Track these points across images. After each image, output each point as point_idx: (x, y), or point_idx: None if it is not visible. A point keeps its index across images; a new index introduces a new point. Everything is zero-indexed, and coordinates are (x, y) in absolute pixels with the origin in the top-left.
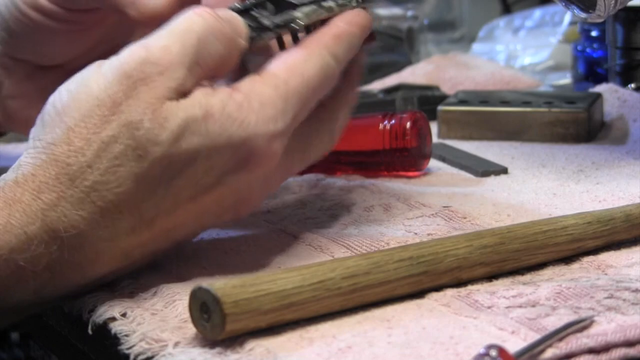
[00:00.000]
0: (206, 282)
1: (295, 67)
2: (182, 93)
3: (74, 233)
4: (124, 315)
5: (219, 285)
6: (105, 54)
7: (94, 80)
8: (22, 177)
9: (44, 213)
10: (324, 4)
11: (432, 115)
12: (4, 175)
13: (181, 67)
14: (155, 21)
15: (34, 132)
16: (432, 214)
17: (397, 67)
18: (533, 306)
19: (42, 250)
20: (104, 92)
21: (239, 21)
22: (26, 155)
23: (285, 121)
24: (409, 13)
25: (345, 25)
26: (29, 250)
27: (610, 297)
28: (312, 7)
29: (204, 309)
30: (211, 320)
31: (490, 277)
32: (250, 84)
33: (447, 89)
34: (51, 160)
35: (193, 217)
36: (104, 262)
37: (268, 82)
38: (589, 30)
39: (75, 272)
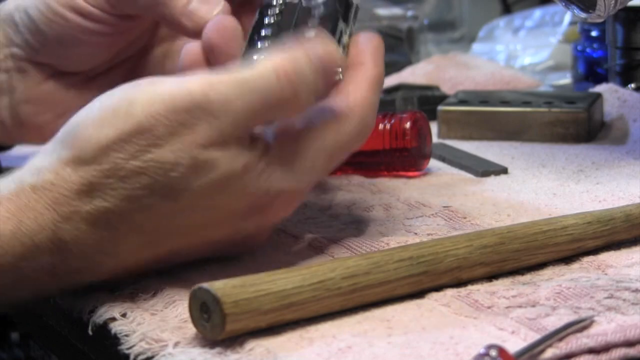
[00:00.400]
0: (206, 282)
1: (333, 125)
2: (224, 144)
3: (81, 246)
4: (124, 315)
5: (219, 285)
6: (123, 63)
7: (139, 102)
8: (41, 184)
9: (56, 224)
10: (343, 41)
11: (432, 115)
12: (19, 175)
13: (233, 125)
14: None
15: (63, 133)
16: (432, 214)
17: (397, 67)
18: (533, 306)
19: (47, 258)
20: (147, 120)
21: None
22: (50, 159)
23: (310, 180)
24: (409, 13)
25: (375, 67)
26: (34, 259)
27: (610, 297)
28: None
29: (204, 309)
30: (211, 320)
31: (490, 277)
32: (284, 138)
33: (447, 89)
34: (77, 176)
35: (200, 244)
36: (105, 272)
37: (303, 138)
38: (589, 30)
39: (75, 278)
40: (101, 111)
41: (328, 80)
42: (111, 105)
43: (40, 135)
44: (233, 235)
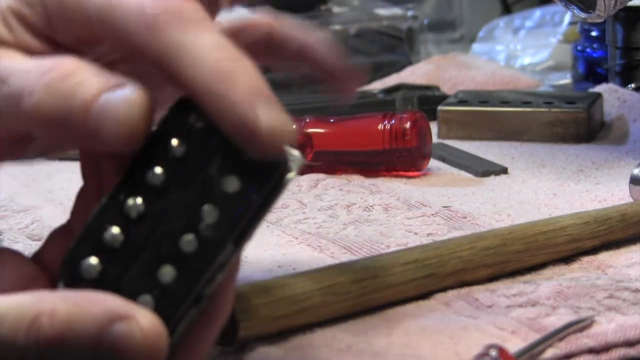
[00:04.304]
0: None
1: None
2: None
3: None
4: None
5: None
6: None
7: None
8: None
9: None
10: (211, 287)
11: (432, 115)
12: None
13: None
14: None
15: None
16: (432, 214)
17: (397, 67)
18: (533, 305)
19: None
20: None
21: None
22: None
23: None
24: (409, 13)
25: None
26: None
27: (610, 297)
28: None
29: None
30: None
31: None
32: None
33: (447, 89)
34: None
35: None
36: None
37: None
38: (589, 30)
39: None
40: None
41: None
42: None
43: None
44: None
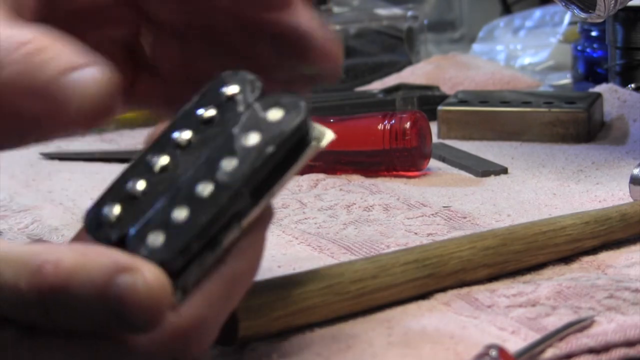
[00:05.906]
0: None
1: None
2: None
3: None
4: None
5: None
6: None
7: None
8: None
9: None
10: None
11: (432, 115)
12: None
13: None
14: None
15: None
16: (432, 214)
17: (397, 67)
18: (533, 305)
19: None
20: None
21: None
22: None
23: None
24: (409, 13)
25: (237, 263)
26: None
27: (610, 297)
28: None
29: None
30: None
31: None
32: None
33: (447, 89)
34: None
35: None
36: None
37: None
38: (589, 30)
39: None
40: None
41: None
42: None
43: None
44: None
